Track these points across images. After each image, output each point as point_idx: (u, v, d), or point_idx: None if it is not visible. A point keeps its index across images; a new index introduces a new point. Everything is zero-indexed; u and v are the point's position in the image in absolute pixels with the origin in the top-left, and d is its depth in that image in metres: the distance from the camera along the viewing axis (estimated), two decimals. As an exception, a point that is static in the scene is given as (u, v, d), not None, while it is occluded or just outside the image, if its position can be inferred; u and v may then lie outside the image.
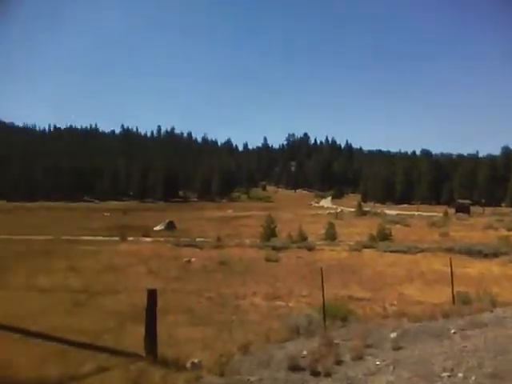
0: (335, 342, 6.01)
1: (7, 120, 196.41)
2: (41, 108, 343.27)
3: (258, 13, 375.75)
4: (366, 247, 24.10)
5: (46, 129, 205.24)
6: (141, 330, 6.04)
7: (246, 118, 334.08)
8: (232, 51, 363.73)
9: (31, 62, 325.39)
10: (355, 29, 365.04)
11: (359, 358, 5.38)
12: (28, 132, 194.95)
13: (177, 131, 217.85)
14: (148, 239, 28.68)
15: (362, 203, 73.41)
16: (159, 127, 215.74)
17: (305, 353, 5.60)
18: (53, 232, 31.42)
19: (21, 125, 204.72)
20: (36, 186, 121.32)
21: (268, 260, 19.25)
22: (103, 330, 7.61)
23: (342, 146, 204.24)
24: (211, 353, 6.05)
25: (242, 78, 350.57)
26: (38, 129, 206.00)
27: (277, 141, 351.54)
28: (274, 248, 23.10)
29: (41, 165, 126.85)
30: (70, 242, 25.79)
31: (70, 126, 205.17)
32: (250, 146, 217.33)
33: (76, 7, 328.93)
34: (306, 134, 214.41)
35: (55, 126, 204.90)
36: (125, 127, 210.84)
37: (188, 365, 5.56)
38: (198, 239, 27.55)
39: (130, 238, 28.19)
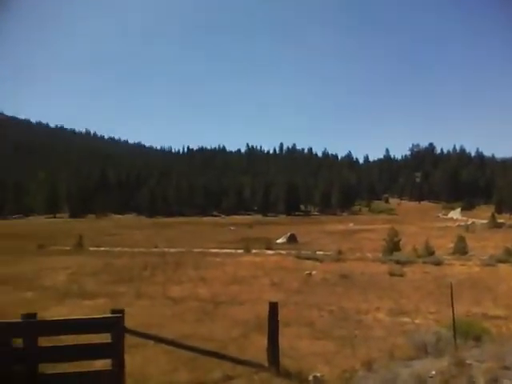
0: (467, 362, 5.52)
1: (147, 144, 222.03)
2: (175, 132, 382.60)
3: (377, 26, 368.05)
4: (501, 262, 21.86)
5: (180, 150, 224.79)
6: (264, 341, 6.17)
7: (367, 130, 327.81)
8: (347, 64, 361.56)
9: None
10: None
11: (494, 380, 4.86)
12: (165, 154, 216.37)
13: (298, 147, 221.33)
14: (270, 252, 29.31)
15: (496, 214, 66.72)
16: (281, 144, 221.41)
17: (433, 373, 5.22)
18: (185, 245, 33.78)
19: (158, 147, 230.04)
20: (171, 202, 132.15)
21: (392, 274, 18.41)
22: (229, 338, 7.93)
23: (472, 155, 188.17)
24: (333, 368, 5.95)
25: (364, 91, 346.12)
26: (173, 150, 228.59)
27: (399, 152, 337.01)
28: (398, 262, 22.03)
29: (176, 183, 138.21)
30: (199, 254, 27.41)
31: (201, 147, 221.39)
32: (370, 159, 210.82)
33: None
34: (431, 144, 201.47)
35: (188, 148, 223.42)
36: (249, 146, 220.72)
37: (310, 378, 5.54)
38: (318, 252, 27.42)
39: (254, 251, 29.07)
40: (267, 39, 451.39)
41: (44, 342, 5.03)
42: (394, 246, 27.22)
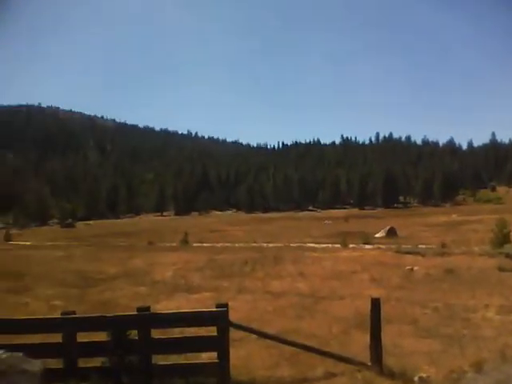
0: None
1: (244, 141, 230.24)
2: (270, 128, 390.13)
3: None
4: None
5: (275, 146, 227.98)
6: (365, 338, 6.12)
7: (471, 115, 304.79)
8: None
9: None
10: None
11: None
12: (261, 150, 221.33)
13: (395, 136, 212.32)
14: (368, 246, 28.58)
15: None
16: (377, 134, 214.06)
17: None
18: (282, 240, 34.21)
19: (255, 144, 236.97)
20: (268, 198, 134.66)
21: (501, 269, 16.98)
22: (329, 335, 7.94)
23: None
24: (439, 368, 5.73)
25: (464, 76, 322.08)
26: (268, 147, 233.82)
27: (506, 136, 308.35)
28: (508, 256, 20.21)
29: (272, 179, 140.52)
30: (297, 248, 27.59)
31: (295, 141, 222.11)
32: (475, 144, 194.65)
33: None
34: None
35: (283, 143, 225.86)
36: (344, 137, 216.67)
37: (415, 379, 5.40)
38: (420, 246, 26.18)
39: (351, 245, 28.57)
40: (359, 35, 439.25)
41: (155, 333, 5.49)
42: (503, 238, 24.93)
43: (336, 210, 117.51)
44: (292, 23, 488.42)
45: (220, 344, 5.25)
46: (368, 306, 5.96)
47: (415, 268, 18.18)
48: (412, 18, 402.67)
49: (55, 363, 5.37)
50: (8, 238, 44.97)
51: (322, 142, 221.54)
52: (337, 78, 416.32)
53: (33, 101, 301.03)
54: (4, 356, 4.41)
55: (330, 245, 29.98)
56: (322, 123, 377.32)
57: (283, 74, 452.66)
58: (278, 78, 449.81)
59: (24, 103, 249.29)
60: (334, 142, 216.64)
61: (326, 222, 69.84)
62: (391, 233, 39.62)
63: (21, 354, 4.52)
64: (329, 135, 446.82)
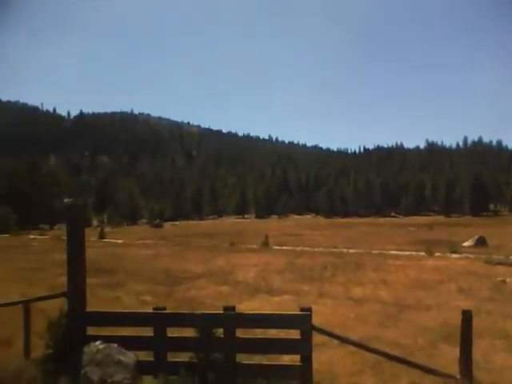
0: None
1: (324, 146, 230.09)
2: (351, 132, 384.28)
3: None
4: None
5: (356, 150, 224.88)
6: (453, 351, 5.88)
7: None
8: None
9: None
10: None
11: None
12: (341, 155, 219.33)
13: (485, 140, 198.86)
14: (456, 255, 27.08)
15: None
16: (465, 138, 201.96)
17: None
18: (363, 246, 33.47)
19: (335, 149, 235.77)
20: (348, 203, 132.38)
21: None
22: (414, 345, 7.70)
23: None
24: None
25: None
26: (349, 151, 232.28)
27: None
28: None
29: (353, 183, 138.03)
30: (378, 255, 26.87)
31: (377, 145, 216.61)
32: None
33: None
34: None
35: (364, 147, 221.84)
36: (429, 141, 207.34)
37: (508, 396, 5.10)
38: (512, 257, 24.35)
39: (437, 254, 27.27)
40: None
41: (238, 332, 5.66)
42: None
43: (420, 217, 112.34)
44: (389, 25, 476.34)
45: (303, 347, 5.31)
46: (456, 318, 5.72)
47: (508, 280, 16.96)
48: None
49: (145, 355, 5.70)
50: (102, 235, 48.21)
51: (405, 146, 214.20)
52: (424, 82, 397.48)
53: (126, 108, 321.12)
54: (101, 347, 4.82)
55: (413, 252, 28.84)
56: (405, 127, 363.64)
57: (366, 77, 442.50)
58: (361, 81, 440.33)
59: (118, 110, 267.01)
60: (418, 147, 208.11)
61: (409, 228, 67.16)
62: (480, 242, 37.12)
63: (116, 346, 4.90)
64: (411, 140, 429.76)
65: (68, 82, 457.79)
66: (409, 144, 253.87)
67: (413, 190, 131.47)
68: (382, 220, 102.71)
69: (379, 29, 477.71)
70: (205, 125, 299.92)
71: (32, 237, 49.76)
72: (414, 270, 19.53)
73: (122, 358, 4.79)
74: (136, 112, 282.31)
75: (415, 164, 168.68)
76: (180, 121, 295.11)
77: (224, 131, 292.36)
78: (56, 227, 78.58)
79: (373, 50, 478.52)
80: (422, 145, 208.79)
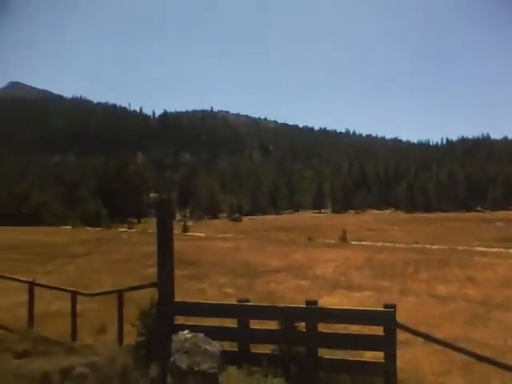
0: None
1: (404, 138, 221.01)
2: (433, 124, 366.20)
3: None
4: None
5: (439, 142, 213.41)
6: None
7: None
8: None
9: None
10: None
11: None
12: (422, 147, 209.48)
13: None
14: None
15: None
16: None
17: None
18: (447, 242, 31.91)
19: (415, 141, 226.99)
20: (430, 196, 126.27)
21: None
22: (505, 346, 7.32)
23: None
24: None
25: None
26: (431, 143, 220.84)
27: None
28: None
29: (435, 176, 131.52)
30: (464, 252, 25.54)
31: (462, 136, 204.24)
32: None
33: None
34: None
35: (447, 139, 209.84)
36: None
37: None
38: None
39: (531, 251, 25.34)
40: None
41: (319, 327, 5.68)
42: None
43: (509, 212, 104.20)
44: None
45: (387, 345, 5.22)
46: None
47: None
48: None
49: (229, 346, 5.88)
50: (185, 229, 50.22)
51: (492, 137, 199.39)
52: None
53: (206, 106, 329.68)
54: (189, 336, 5.08)
55: (502, 250, 27.01)
56: (492, 118, 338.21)
57: (448, 72, 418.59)
58: (442, 75, 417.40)
59: (199, 108, 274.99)
60: (506, 137, 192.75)
61: (497, 224, 62.63)
62: None
63: (202, 335, 5.14)
64: (499, 130, 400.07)
65: (151, 81, 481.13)
66: (495, 135, 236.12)
67: (501, 184, 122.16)
68: (466, 215, 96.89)
69: (468, 15, 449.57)
70: (281, 120, 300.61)
71: (122, 230, 53.06)
72: (504, 268, 18.36)
73: (208, 347, 4.99)
74: (216, 109, 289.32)
75: (503, 156, 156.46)
76: (257, 117, 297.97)
77: (300, 125, 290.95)
78: (143, 221, 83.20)
79: (457, 37, 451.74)
80: (511, 135, 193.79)
